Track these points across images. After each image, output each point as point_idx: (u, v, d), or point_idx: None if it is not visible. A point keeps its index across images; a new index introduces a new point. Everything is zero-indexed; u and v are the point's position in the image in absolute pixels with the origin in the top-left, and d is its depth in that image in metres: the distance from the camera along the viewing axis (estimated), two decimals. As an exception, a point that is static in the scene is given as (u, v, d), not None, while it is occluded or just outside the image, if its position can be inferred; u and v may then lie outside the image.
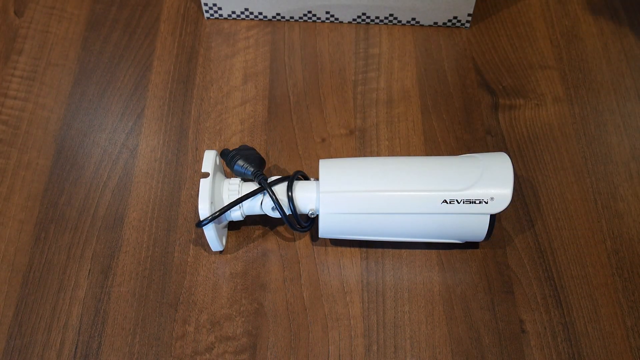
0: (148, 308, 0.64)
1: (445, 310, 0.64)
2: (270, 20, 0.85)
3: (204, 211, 0.61)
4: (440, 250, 0.67)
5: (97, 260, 0.67)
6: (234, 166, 0.66)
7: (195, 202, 0.71)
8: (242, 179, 0.66)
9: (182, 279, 0.66)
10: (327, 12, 0.84)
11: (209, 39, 0.83)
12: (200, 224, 0.61)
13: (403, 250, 0.67)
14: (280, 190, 0.64)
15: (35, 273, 0.66)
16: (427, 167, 0.63)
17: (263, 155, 0.74)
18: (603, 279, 0.66)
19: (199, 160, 0.74)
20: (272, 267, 0.67)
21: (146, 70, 0.81)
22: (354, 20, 0.85)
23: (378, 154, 0.74)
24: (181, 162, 0.74)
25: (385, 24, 0.85)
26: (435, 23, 0.84)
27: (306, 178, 0.67)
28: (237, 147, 0.72)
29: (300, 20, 0.85)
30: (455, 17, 0.83)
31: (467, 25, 0.84)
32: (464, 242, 0.66)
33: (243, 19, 0.85)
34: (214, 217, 0.61)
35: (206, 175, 0.63)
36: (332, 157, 0.74)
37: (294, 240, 0.68)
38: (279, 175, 0.70)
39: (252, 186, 0.65)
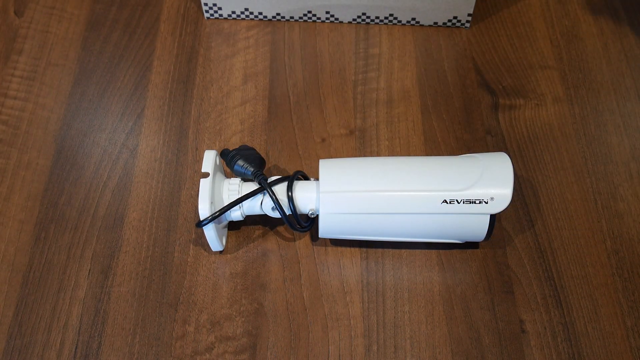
0: (148, 308, 0.64)
1: (445, 310, 0.64)
2: (270, 20, 0.85)
3: (204, 211, 0.61)
4: (440, 250, 0.67)
5: (97, 260, 0.67)
6: (234, 166, 0.66)
7: (195, 202, 0.71)
8: (242, 179, 0.66)
9: (182, 279, 0.66)
10: (327, 12, 0.84)
11: (209, 39, 0.83)
12: (200, 224, 0.61)
13: (403, 250, 0.67)
14: (280, 190, 0.64)
15: (35, 273, 0.66)
16: (427, 167, 0.63)
17: (263, 155, 0.74)
18: (603, 279, 0.66)
19: (199, 160, 0.74)
20: (272, 267, 0.67)
21: (146, 70, 0.81)
22: (354, 20, 0.84)
23: (378, 154, 0.74)
24: (181, 162, 0.74)
25: (385, 24, 0.85)
26: (435, 23, 0.84)
27: (306, 178, 0.67)
28: (237, 147, 0.72)
29: (300, 20, 0.85)
30: (455, 17, 0.83)
31: (467, 25, 0.84)
32: (464, 242, 0.66)
33: (243, 19, 0.85)
34: (214, 217, 0.61)
35: (206, 175, 0.63)
36: (332, 157, 0.74)
37: (294, 240, 0.68)
38: (279, 175, 0.70)
39: (252, 186, 0.65)
